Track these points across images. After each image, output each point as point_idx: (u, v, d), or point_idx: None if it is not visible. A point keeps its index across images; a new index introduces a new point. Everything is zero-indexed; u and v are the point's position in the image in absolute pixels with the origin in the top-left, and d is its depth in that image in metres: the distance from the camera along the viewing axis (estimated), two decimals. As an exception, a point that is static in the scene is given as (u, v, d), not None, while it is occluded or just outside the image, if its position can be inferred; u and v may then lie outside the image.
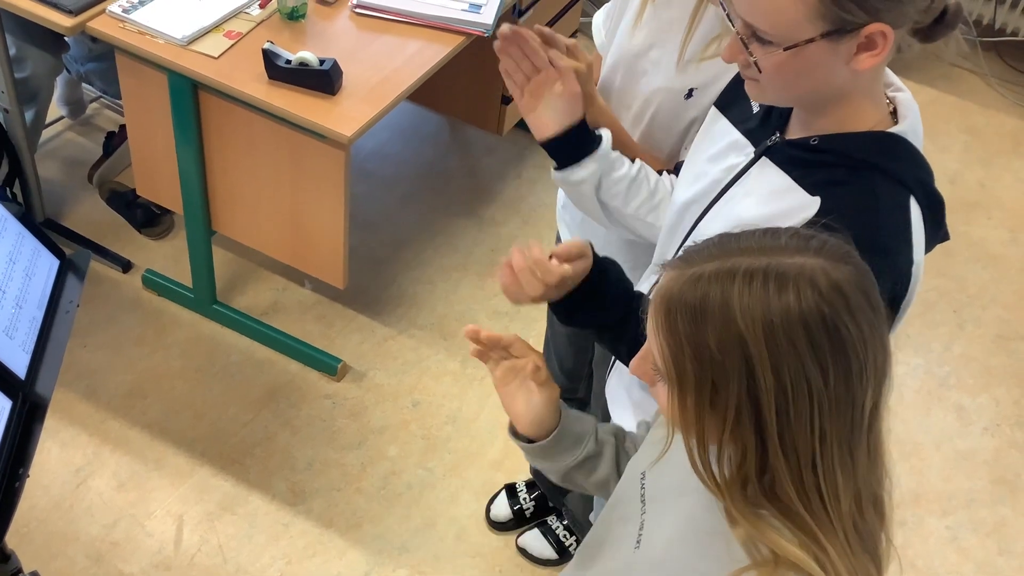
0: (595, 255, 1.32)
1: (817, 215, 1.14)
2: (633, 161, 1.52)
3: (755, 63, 1.13)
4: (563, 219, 1.90)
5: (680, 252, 0.97)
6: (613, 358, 1.68)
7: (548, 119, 1.48)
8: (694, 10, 1.49)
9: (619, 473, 1.31)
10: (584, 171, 1.47)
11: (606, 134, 1.50)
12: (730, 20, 1.15)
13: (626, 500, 1.20)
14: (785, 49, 1.10)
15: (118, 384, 2.65)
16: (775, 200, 1.20)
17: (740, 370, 0.89)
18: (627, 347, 1.34)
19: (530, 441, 1.28)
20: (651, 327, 0.96)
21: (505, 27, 1.47)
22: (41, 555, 2.31)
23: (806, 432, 0.90)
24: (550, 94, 1.47)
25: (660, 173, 1.55)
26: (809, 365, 0.89)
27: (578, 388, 2.13)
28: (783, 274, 0.89)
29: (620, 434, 1.34)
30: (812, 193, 1.17)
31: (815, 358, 0.89)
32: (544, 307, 2.20)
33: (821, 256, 0.91)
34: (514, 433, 1.30)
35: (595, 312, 1.33)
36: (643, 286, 1.50)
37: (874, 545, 0.98)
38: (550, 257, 1.27)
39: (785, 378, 0.89)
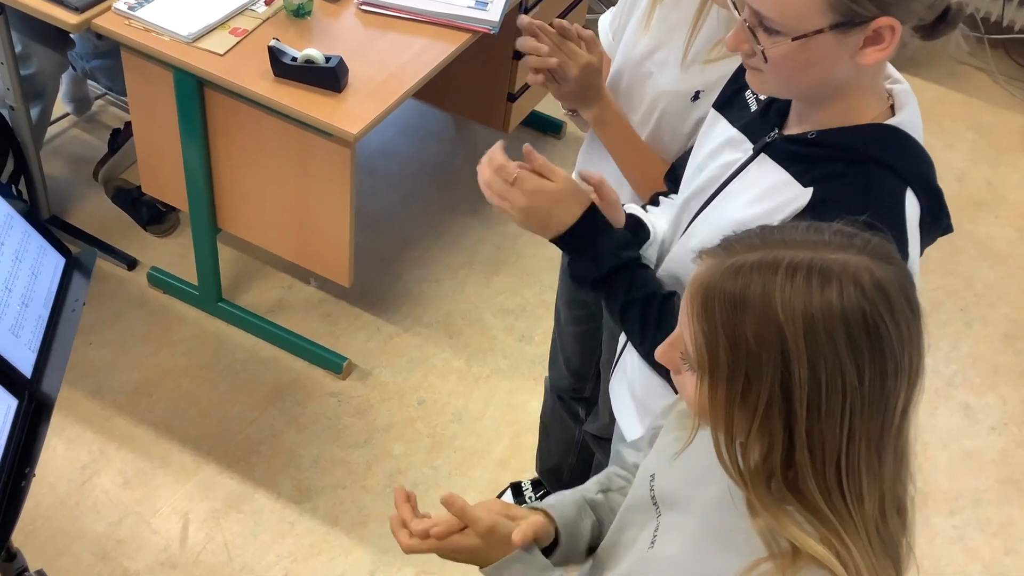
0: (595, 209, 1.33)
1: (808, 206, 1.14)
2: (644, 207, 1.50)
3: (761, 52, 1.12)
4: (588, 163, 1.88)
5: (719, 241, 0.97)
6: (616, 358, 1.67)
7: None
8: (697, 11, 1.49)
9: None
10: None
11: (638, 213, 1.45)
12: (736, 8, 1.15)
13: (637, 505, 1.19)
14: (793, 39, 1.09)
15: (123, 382, 2.64)
16: (772, 196, 1.20)
17: (776, 363, 0.89)
18: (619, 311, 1.34)
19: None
20: (685, 314, 0.95)
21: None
22: (46, 552, 2.31)
23: (835, 430, 0.90)
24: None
25: (655, 200, 1.54)
26: (846, 363, 0.88)
27: (584, 388, 2.13)
28: (827, 269, 0.89)
29: (605, 484, 1.33)
30: (806, 187, 1.17)
31: (852, 356, 0.88)
32: (551, 306, 2.20)
33: (865, 254, 0.91)
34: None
35: (587, 263, 1.33)
36: None
37: (896, 551, 0.97)
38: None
39: (820, 374, 0.88)
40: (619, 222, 1.38)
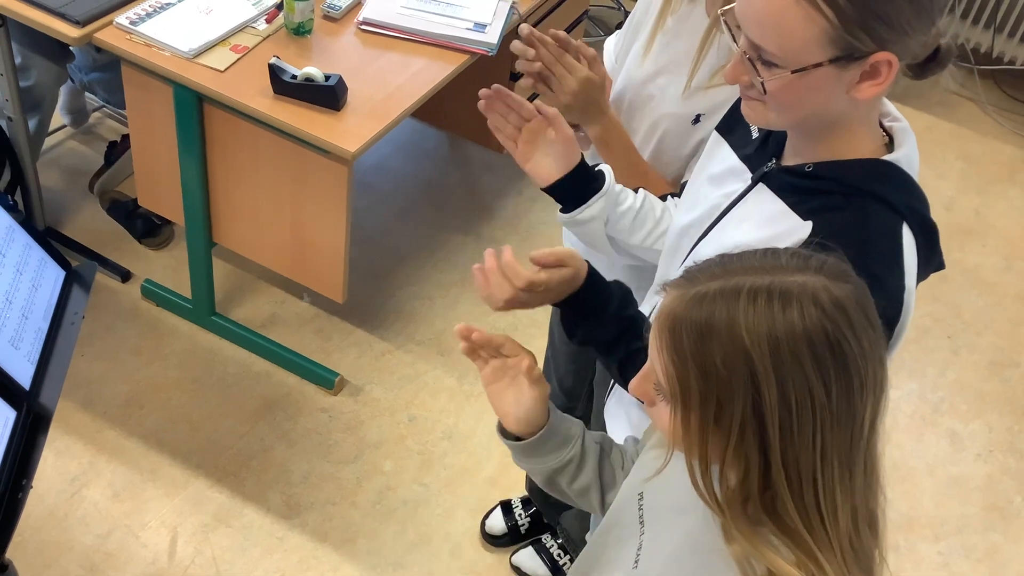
0: (592, 271, 1.34)
1: (808, 239, 1.16)
2: (636, 191, 1.53)
3: (761, 84, 1.14)
4: (569, 238, 1.91)
5: (681, 272, 0.99)
6: (612, 382, 1.69)
7: (546, 166, 1.51)
8: (702, 42, 1.51)
9: (601, 483, 1.32)
10: (592, 210, 1.49)
11: (607, 170, 1.51)
12: (734, 40, 1.16)
13: (623, 522, 1.20)
14: (792, 72, 1.11)
15: (115, 394, 2.65)
16: (769, 225, 1.21)
17: (745, 386, 0.91)
18: (617, 364, 1.36)
19: (518, 439, 1.28)
20: (654, 346, 0.97)
21: (484, 91, 1.50)
22: (34, 564, 2.30)
23: (808, 448, 0.92)
24: (544, 141, 1.50)
25: (664, 198, 1.57)
26: (813, 380, 0.90)
27: (577, 407, 2.14)
28: (787, 292, 0.91)
29: (606, 444, 1.35)
30: (805, 219, 1.19)
31: (818, 373, 0.91)
32: (545, 325, 2.22)
33: (821, 274, 0.94)
34: (502, 432, 1.30)
35: (592, 327, 1.35)
36: (645, 308, 1.51)
37: (868, 564, 1.00)
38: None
39: (790, 394, 0.90)
40: (575, 157, 1.45)
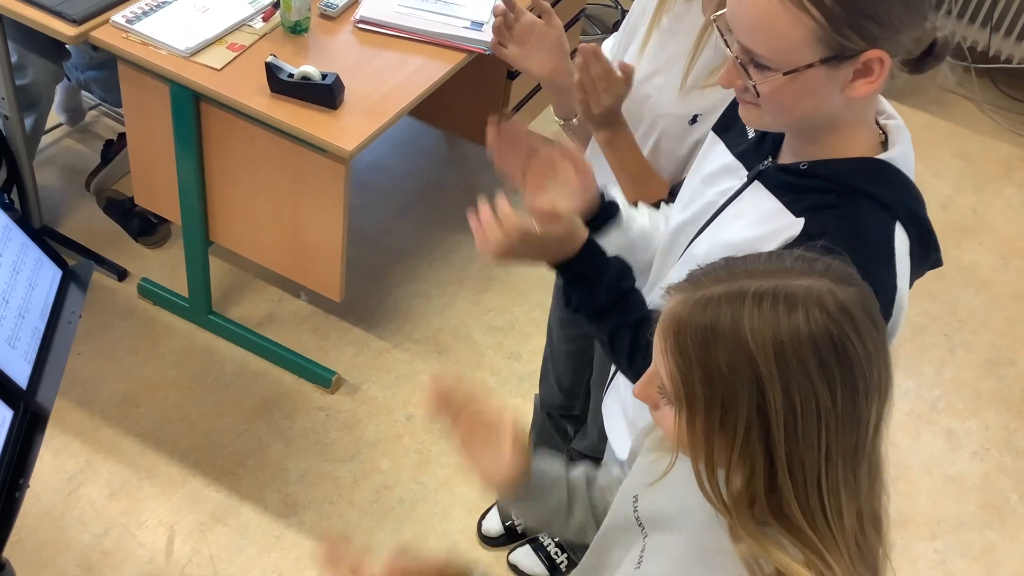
0: (591, 240, 1.34)
1: (800, 237, 1.16)
2: (636, 205, 1.52)
3: (754, 87, 1.14)
4: None
5: (686, 276, 0.99)
6: (610, 378, 1.69)
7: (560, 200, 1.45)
8: (697, 39, 1.51)
9: (595, 518, 1.32)
10: (609, 240, 1.46)
11: (618, 196, 1.48)
12: (726, 44, 1.17)
13: (621, 525, 1.20)
14: (784, 74, 1.11)
15: (112, 393, 2.64)
16: (763, 223, 1.22)
17: (750, 390, 0.91)
18: (608, 336, 1.36)
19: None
20: (659, 350, 0.97)
21: (492, 133, 1.47)
22: (31, 563, 2.30)
23: (813, 450, 0.92)
24: (555, 178, 1.44)
25: (658, 205, 1.56)
26: (818, 384, 0.90)
27: (574, 406, 2.14)
28: (792, 295, 0.91)
29: (591, 475, 1.35)
30: (798, 216, 1.19)
31: (823, 377, 0.91)
32: (543, 324, 2.22)
33: (826, 278, 0.94)
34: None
35: (585, 295, 1.36)
36: None
37: (874, 563, 1.00)
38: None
39: (795, 397, 0.90)
40: (591, 193, 1.41)
